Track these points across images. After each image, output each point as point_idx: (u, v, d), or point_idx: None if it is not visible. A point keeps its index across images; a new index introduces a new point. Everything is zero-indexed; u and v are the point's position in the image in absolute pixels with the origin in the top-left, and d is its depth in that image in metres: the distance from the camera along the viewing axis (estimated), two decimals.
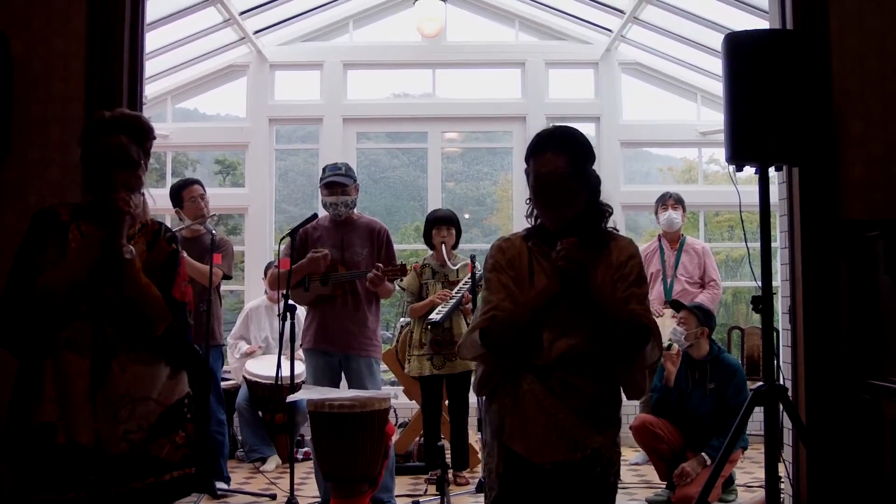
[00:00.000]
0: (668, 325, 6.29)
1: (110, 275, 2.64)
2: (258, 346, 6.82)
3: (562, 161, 2.52)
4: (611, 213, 2.67)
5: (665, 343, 5.37)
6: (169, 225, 3.05)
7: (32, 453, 2.61)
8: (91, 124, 2.79)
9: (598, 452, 2.53)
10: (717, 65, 6.40)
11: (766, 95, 3.57)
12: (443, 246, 5.77)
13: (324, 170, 5.16)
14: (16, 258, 2.71)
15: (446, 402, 5.92)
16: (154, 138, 2.84)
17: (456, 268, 5.83)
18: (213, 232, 5.43)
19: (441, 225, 5.83)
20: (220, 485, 5.36)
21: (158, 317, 2.72)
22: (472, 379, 5.78)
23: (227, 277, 5.58)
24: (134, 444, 2.66)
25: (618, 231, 2.74)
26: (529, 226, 2.69)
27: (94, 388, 2.63)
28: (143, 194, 2.79)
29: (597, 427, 2.54)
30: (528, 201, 2.68)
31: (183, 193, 5.54)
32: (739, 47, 3.67)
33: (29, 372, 2.68)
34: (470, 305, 5.61)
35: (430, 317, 5.61)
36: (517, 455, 2.53)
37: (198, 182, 5.65)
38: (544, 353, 2.51)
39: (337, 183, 4.97)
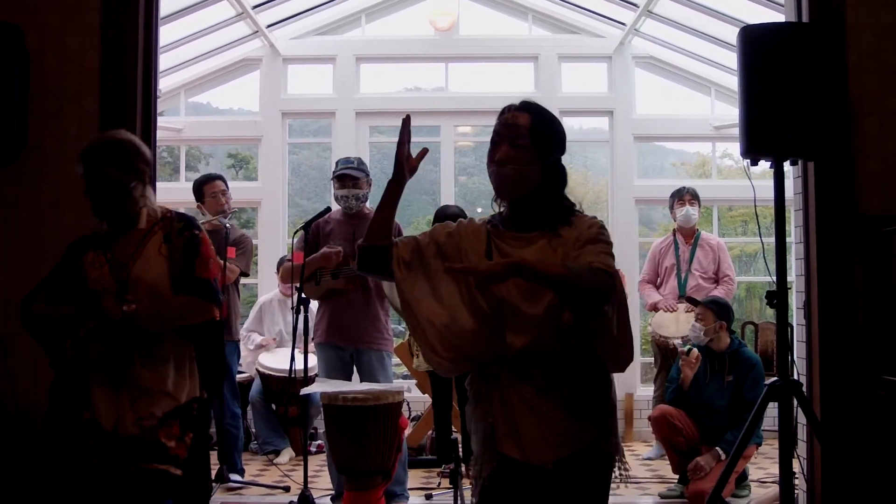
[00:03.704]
0: (682, 320, 6.29)
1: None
2: (272, 339, 6.84)
3: (524, 120, 2.46)
4: (572, 207, 2.53)
5: (685, 347, 5.35)
6: None
7: (63, 422, 2.81)
8: (83, 154, 2.94)
9: (594, 445, 2.41)
10: (731, 58, 6.40)
11: (782, 89, 3.55)
12: None
13: (337, 163, 5.18)
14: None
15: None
16: (143, 154, 3.00)
17: None
18: (228, 226, 5.45)
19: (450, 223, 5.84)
20: (235, 477, 5.39)
21: (204, 315, 2.92)
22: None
23: (244, 274, 5.60)
24: (144, 429, 2.80)
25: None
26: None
27: (118, 377, 2.79)
28: (147, 197, 3.00)
29: (589, 417, 2.42)
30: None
31: (205, 188, 5.58)
32: (754, 41, 3.65)
33: (62, 351, 2.90)
34: None
35: None
36: (512, 460, 2.40)
37: (220, 178, 5.69)
38: (508, 338, 2.39)
39: (348, 175, 4.98)
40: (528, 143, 2.45)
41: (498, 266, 2.22)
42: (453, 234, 2.53)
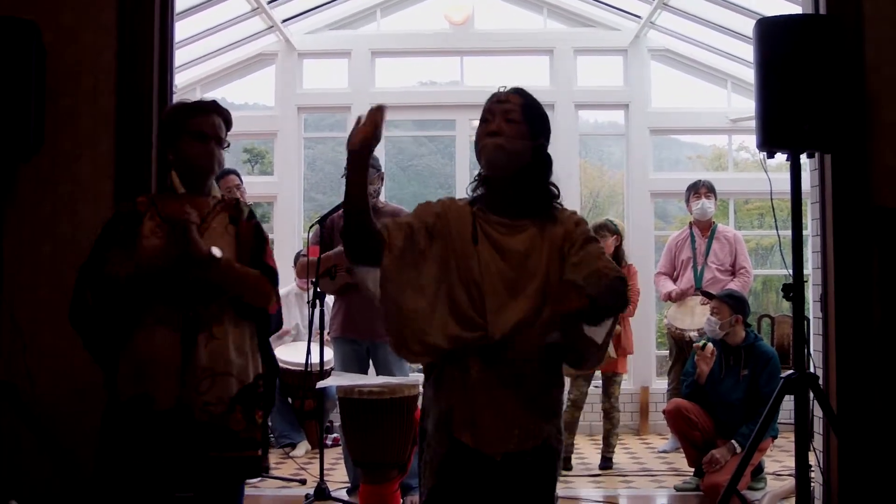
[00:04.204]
0: (697, 313, 6.28)
1: (198, 273, 2.77)
2: (291, 327, 6.87)
3: (515, 99, 2.51)
4: (557, 196, 2.54)
5: (700, 342, 5.34)
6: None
7: (126, 425, 2.75)
8: (182, 106, 3.00)
9: (547, 443, 2.43)
10: (747, 51, 6.36)
11: (798, 81, 3.53)
12: None
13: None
14: (91, 251, 2.89)
15: None
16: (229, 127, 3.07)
17: None
18: None
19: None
20: None
21: (266, 294, 2.91)
22: None
23: None
24: (213, 415, 2.78)
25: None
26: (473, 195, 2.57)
27: (185, 361, 2.76)
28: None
29: (545, 416, 2.44)
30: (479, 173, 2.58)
31: (220, 183, 5.57)
32: (771, 33, 3.63)
33: (114, 348, 2.83)
34: None
35: None
36: (464, 446, 2.40)
37: (234, 172, 5.70)
38: (490, 327, 2.36)
39: None
40: (520, 117, 2.48)
41: (582, 305, 2.20)
42: (441, 216, 2.50)
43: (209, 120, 2.94)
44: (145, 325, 2.80)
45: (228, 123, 3.03)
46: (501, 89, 2.56)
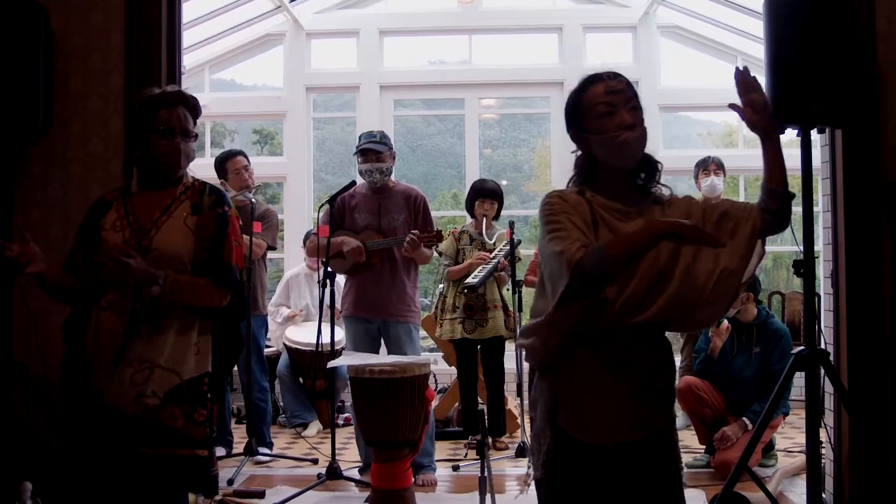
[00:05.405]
0: None
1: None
2: (299, 311, 6.90)
3: (624, 84, 2.39)
4: (661, 167, 2.45)
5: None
6: None
7: (83, 413, 2.75)
8: (149, 98, 2.92)
9: (659, 432, 2.34)
10: (758, 27, 6.31)
11: (809, 57, 3.51)
12: (484, 219, 5.84)
13: (359, 138, 5.19)
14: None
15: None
16: (199, 115, 3.00)
17: (493, 239, 5.88)
18: (253, 201, 5.48)
19: (485, 198, 5.88)
20: (263, 450, 5.46)
21: (213, 302, 2.84)
22: (507, 345, 5.86)
23: (271, 248, 5.64)
24: (147, 408, 2.71)
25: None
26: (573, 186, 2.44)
27: (122, 350, 2.73)
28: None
29: (658, 401, 2.35)
30: (576, 153, 2.45)
31: (227, 165, 5.60)
32: (781, 8, 3.60)
33: (74, 333, 2.84)
34: (504, 273, 5.66)
35: (467, 280, 5.65)
36: (572, 438, 2.30)
37: (241, 153, 5.71)
38: (609, 308, 2.21)
39: (371, 150, 5.00)
40: (637, 103, 2.39)
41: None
42: (577, 206, 2.34)
43: (175, 113, 2.88)
44: (96, 311, 2.79)
45: (196, 111, 2.96)
46: (609, 76, 2.41)
